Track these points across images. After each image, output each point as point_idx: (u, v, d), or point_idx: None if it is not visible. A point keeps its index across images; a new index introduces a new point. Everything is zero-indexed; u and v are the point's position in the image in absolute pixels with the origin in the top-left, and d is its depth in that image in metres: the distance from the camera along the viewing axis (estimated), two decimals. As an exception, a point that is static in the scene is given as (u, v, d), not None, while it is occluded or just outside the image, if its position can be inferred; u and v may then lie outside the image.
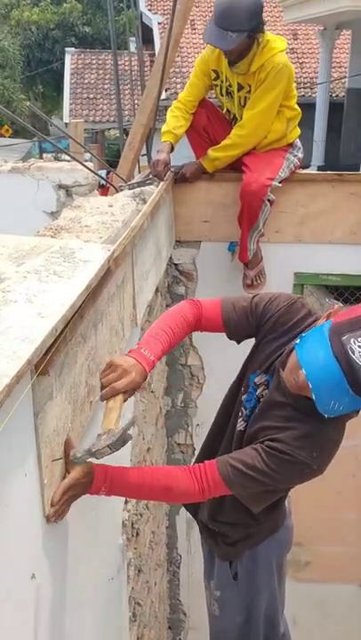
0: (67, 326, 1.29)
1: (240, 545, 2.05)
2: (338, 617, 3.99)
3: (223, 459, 1.69)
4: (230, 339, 1.87)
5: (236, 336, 1.86)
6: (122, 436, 1.42)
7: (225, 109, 3.19)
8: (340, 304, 5.42)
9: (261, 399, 1.80)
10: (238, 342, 1.89)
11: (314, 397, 1.48)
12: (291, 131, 3.14)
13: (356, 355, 1.42)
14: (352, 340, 1.43)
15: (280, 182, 3.07)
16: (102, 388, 1.51)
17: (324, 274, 3.33)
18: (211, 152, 3.12)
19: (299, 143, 3.22)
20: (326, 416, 1.50)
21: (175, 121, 3.13)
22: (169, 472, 1.75)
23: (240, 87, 3.02)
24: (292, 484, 1.81)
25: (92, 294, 1.51)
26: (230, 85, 3.04)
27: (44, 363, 1.18)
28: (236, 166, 3.17)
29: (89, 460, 1.42)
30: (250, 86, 2.99)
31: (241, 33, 2.77)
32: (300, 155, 3.21)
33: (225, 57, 2.93)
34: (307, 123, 3.18)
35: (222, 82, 3.06)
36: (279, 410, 1.70)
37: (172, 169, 3.16)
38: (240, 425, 1.88)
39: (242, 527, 2.01)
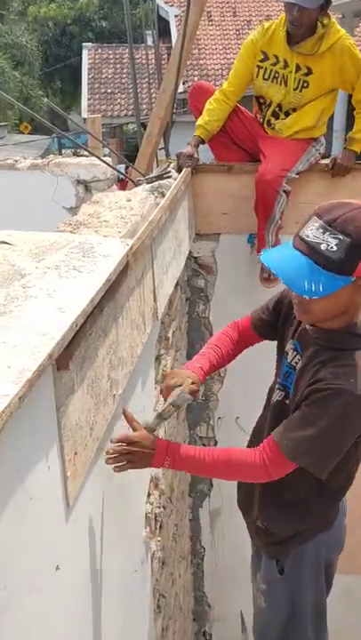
0: (87, 321, 1.30)
1: (287, 544, 2.02)
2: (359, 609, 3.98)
3: (276, 430, 1.70)
4: (263, 337, 2.03)
5: (266, 334, 2.01)
6: (181, 395, 1.71)
7: (256, 100, 3.14)
8: None
9: (296, 365, 1.80)
10: (271, 339, 2.00)
11: (286, 282, 1.57)
12: (320, 125, 3.12)
13: (310, 235, 1.52)
14: (303, 230, 1.55)
15: (297, 174, 3.05)
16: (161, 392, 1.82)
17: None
18: (356, 135, 3.09)
19: (322, 139, 3.20)
20: (308, 297, 1.53)
21: (210, 115, 3.09)
22: (229, 448, 1.79)
23: (298, 68, 2.97)
24: (342, 423, 1.64)
25: (112, 288, 1.52)
26: (285, 66, 2.97)
27: (65, 357, 1.20)
28: (255, 156, 3.16)
29: (158, 423, 1.74)
30: (309, 69, 2.94)
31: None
32: (322, 150, 3.20)
33: (292, 28, 2.85)
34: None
35: (273, 64, 3.00)
36: (315, 359, 1.70)
37: (201, 162, 3.16)
38: (277, 395, 1.90)
39: (290, 524, 1.98)
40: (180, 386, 1.76)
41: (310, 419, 1.64)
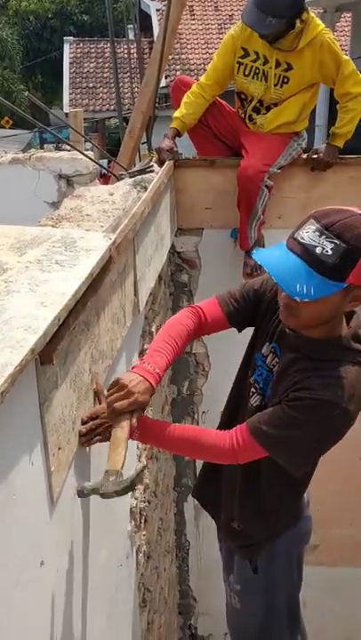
0: (69, 315, 1.30)
1: (260, 544, 2.04)
2: (348, 600, 4.01)
3: (251, 419, 1.69)
4: (235, 326, 1.91)
5: (240, 323, 1.89)
6: (131, 484, 1.46)
7: (237, 96, 3.14)
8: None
9: (274, 368, 1.80)
10: (240, 330, 1.92)
11: (278, 283, 1.54)
12: (302, 120, 3.12)
13: (306, 238, 1.50)
14: (299, 232, 1.52)
15: (279, 169, 3.05)
16: (108, 407, 1.55)
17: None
18: (339, 130, 3.08)
19: (305, 134, 3.21)
20: (299, 299, 1.50)
21: (186, 108, 3.09)
22: (201, 428, 1.80)
23: (278, 64, 2.96)
24: (327, 434, 1.67)
25: (94, 282, 1.52)
26: (265, 63, 2.97)
27: (49, 352, 1.19)
28: (238, 151, 3.16)
29: (89, 494, 1.47)
30: (289, 65, 2.94)
31: (281, 19, 2.76)
32: (304, 144, 3.20)
33: (261, 38, 2.90)
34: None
35: (253, 60, 3.00)
36: (295, 366, 1.69)
37: (180, 156, 3.15)
38: (255, 400, 1.88)
39: (266, 525, 1.99)
40: (124, 446, 1.48)
41: (295, 423, 1.63)
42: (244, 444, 1.67)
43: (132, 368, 1.64)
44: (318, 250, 1.48)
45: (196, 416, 3.74)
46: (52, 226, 1.82)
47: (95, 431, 1.58)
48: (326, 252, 1.47)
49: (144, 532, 2.56)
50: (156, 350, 1.70)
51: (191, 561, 4.01)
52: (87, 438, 1.55)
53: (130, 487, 1.46)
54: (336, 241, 1.47)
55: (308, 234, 1.50)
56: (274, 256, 1.56)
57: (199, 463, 3.73)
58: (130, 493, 2.27)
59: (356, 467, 3.65)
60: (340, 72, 2.92)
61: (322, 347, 1.65)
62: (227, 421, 1.97)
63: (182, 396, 3.68)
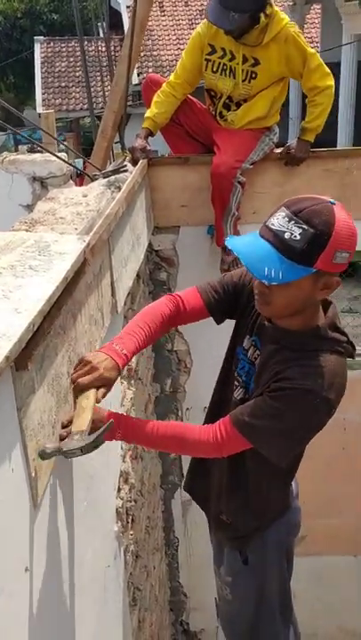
0: (44, 320, 1.30)
1: (249, 535, 2.06)
2: (336, 588, 4.06)
3: (234, 412, 1.71)
4: (214, 316, 1.93)
5: (220, 313, 1.92)
6: (95, 440, 1.42)
7: (207, 93, 3.14)
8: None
9: (256, 361, 1.82)
10: (219, 322, 1.94)
11: (247, 266, 1.57)
12: (273, 114, 3.13)
13: (276, 224, 1.54)
14: (270, 219, 1.57)
15: (251, 164, 3.06)
16: (71, 383, 1.53)
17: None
18: (309, 125, 3.07)
19: (276, 128, 3.22)
20: (267, 283, 1.55)
21: (157, 107, 3.08)
22: (184, 424, 1.81)
23: (245, 60, 2.97)
24: (308, 423, 1.68)
25: (69, 286, 1.51)
26: (232, 59, 2.97)
27: (24, 358, 1.19)
28: (210, 148, 3.17)
29: (51, 454, 1.36)
30: (256, 60, 2.94)
31: (243, 13, 2.76)
32: (275, 139, 3.21)
33: (225, 34, 2.91)
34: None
35: (220, 56, 3.00)
36: (275, 357, 1.71)
37: (154, 154, 3.15)
38: (238, 394, 1.90)
39: (255, 516, 2.01)
40: (89, 413, 1.46)
41: (277, 413, 1.65)
42: (228, 437, 1.68)
43: (100, 348, 1.63)
44: (287, 235, 1.51)
45: (180, 413, 3.75)
46: (26, 230, 1.81)
47: None
48: (295, 237, 1.51)
49: (131, 532, 2.57)
50: (127, 333, 1.71)
51: (181, 557, 4.03)
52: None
53: (95, 443, 1.42)
54: (304, 226, 1.50)
55: (278, 220, 1.54)
56: (245, 242, 1.61)
57: (186, 459, 3.75)
58: (115, 492, 2.28)
59: (339, 456, 3.69)
60: (307, 66, 2.93)
61: (300, 337, 1.68)
62: (212, 416, 1.99)
63: (165, 394, 3.69)
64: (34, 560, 1.30)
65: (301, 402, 1.63)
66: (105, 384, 1.55)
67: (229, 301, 1.89)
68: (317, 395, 1.61)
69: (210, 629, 4.04)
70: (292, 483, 2.09)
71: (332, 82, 2.99)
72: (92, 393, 1.50)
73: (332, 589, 4.04)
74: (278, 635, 2.19)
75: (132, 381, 2.73)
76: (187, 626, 4.22)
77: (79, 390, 1.52)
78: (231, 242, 1.62)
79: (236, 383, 1.92)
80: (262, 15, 2.81)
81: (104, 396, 1.55)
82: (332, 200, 1.56)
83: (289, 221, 1.52)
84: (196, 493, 2.24)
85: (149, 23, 16.53)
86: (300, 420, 1.66)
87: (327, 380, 1.63)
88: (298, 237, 1.50)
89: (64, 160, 3.02)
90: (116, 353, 1.60)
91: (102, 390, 1.54)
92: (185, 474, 3.82)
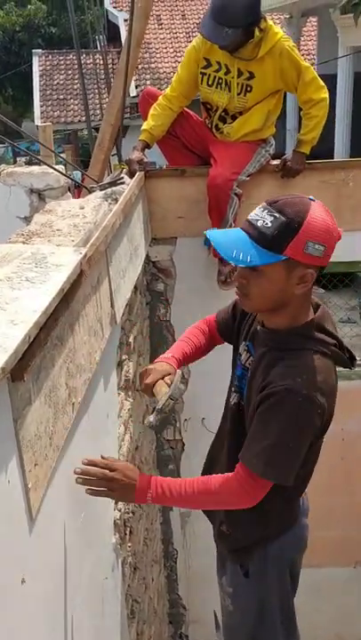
0: (41, 331, 1.30)
1: (251, 548, 2.04)
2: (336, 599, 4.04)
3: (241, 454, 1.74)
4: (224, 339, 2.09)
5: (227, 336, 2.05)
6: (175, 386, 1.78)
7: (203, 106, 3.16)
8: (322, 290, 5.48)
9: (250, 366, 1.84)
10: (230, 342, 2.04)
11: (217, 250, 1.65)
12: (268, 126, 3.15)
13: (252, 215, 1.63)
14: (250, 214, 1.66)
15: (248, 176, 3.08)
16: (142, 390, 1.90)
17: (300, 262, 3.34)
18: (304, 137, 3.10)
19: (272, 140, 3.24)
20: (234, 264, 1.66)
21: (154, 120, 3.11)
22: (206, 479, 1.82)
23: (240, 73, 2.99)
24: (296, 425, 1.67)
25: (67, 297, 1.52)
26: (227, 72, 2.99)
27: (20, 369, 1.19)
28: (207, 160, 3.19)
29: (159, 417, 1.77)
30: (251, 73, 2.96)
31: (237, 29, 2.78)
32: (272, 151, 3.23)
33: (221, 49, 2.93)
34: (279, 115, 3.20)
35: (216, 70, 3.02)
36: (265, 360, 1.74)
37: (151, 166, 3.17)
38: (233, 399, 1.93)
39: (255, 529, 1.99)
40: (163, 380, 1.83)
41: (264, 428, 1.67)
42: (250, 480, 1.71)
43: (156, 361, 1.94)
44: (260, 223, 1.59)
45: (178, 424, 3.75)
46: (23, 242, 1.82)
47: (88, 479, 1.66)
48: (266, 224, 1.58)
49: (129, 544, 2.56)
50: (172, 347, 2.03)
51: (179, 569, 4.01)
52: (88, 482, 1.67)
53: (176, 387, 1.80)
54: (276, 214, 1.58)
55: (255, 211, 1.63)
56: (222, 232, 1.75)
57: (183, 473, 3.75)
58: (113, 504, 2.27)
59: (338, 467, 3.68)
60: (302, 79, 2.96)
61: (286, 337, 1.72)
62: (222, 419, 2.09)
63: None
64: (30, 572, 1.30)
65: (284, 404, 1.64)
66: (166, 374, 1.84)
67: (231, 322, 2.00)
68: (298, 394, 1.62)
69: (209, 642, 4.01)
70: (302, 499, 2.07)
71: (326, 94, 3.02)
72: (160, 382, 1.83)
73: (331, 601, 4.02)
74: None
75: (130, 392, 2.73)
76: (186, 638, 4.20)
77: (150, 391, 1.82)
78: (210, 232, 1.70)
79: (232, 388, 1.96)
80: (256, 30, 2.84)
81: (171, 380, 1.82)
82: (311, 197, 1.63)
83: (263, 210, 1.61)
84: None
85: (147, 36, 16.66)
86: (286, 423, 1.65)
87: (308, 378, 1.64)
88: (269, 224, 1.57)
89: (61, 172, 3.03)
90: (164, 357, 1.93)
91: (167, 378, 1.82)
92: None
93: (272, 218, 1.57)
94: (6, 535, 1.18)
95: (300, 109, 3.14)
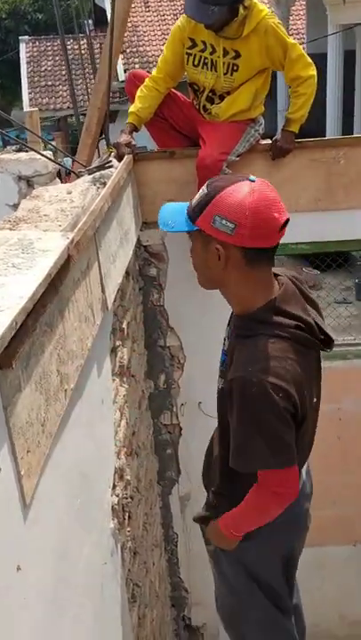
0: (29, 317, 1.29)
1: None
2: (336, 578, 4.06)
3: (231, 461, 1.79)
4: None
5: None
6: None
7: (190, 87, 3.13)
8: (316, 271, 5.46)
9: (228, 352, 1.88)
10: None
11: (159, 215, 1.83)
12: (257, 106, 3.11)
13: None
14: None
15: (237, 157, 3.05)
16: None
17: (292, 243, 3.33)
18: (292, 116, 3.06)
19: (261, 119, 3.20)
20: (161, 228, 1.82)
21: (141, 102, 3.06)
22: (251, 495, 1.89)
23: (225, 53, 2.94)
24: (256, 413, 1.69)
25: (55, 282, 1.50)
26: (213, 52, 2.95)
27: (8, 356, 1.18)
28: (196, 141, 3.16)
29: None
30: (237, 52, 2.92)
31: (222, 6, 2.74)
32: (261, 130, 3.19)
33: (206, 28, 2.89)
34: (269, 94, 3.15)
35: (201, 50, 2.98)
36: (232, 347, 1.80)
37: (140, 149, 3.13)
38: (219, 383, 1.95)
39: (230, 503, 2.01)
40: None
41: (232, 426, 1.73)
42: (262, 480, 1.82)
43: None
44: (196, 196, 1.75)
45: (174, 409, 3.74)
46: (10, 229, 1.80)
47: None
48: (196, 199, 1.73)
49: (129, 529, 2.56)
50: None
51: (180, 553, 4.02)
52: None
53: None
54: (205, 189, 1.72)
55: None
56: (175, 204, 1.87)
57: (182, 457, 3.76)
58: (110, 490, 2.27)
59: (335, 445, 3.69)
60: (288, 56, 2.92)
61: (244, 322, 1.77)
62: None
63: (159, 390, 3.68)
64: (26, 559, 1.29)
65: (240, 392, 1.68)
66: None
67: None
68: (250, 381, 1.65)
69: (211, 623, 4.04)
70: (303, 482, 2.06)
71: (314, 72, 2.98)
72: None
73: (332, 579, 4.05)
74: (274, 624, 2.18)
75: (125, 379, 2.72)
76: (189, 621, 4.22)
77: None
78: (166, 205, 1.86)
79: (219, 374, 1.97)
80: (241, 7, 2.80)
81: None
82: (252, 177, 1.68)
83: (202, 190, 1.73)
84: (205, 484, 2.24)
85: (134, 19, 16.49)
86: (248, 412, 1.69)
87: (260, 364, 1.65)
88: (196, 199, 1.72)
89: (48, 158, 3.00)
90: None
91: None
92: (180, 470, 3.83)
93: (201, 193, 1.71)
94: (0, 523, 1.17)
95: (289, 87, 3.10)
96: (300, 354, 1.73)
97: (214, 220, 1.65)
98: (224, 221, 1.64)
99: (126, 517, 2.52)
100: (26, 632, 1.29)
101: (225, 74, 2.96)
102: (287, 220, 1.69)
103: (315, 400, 1.87)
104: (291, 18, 13.25)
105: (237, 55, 2.92)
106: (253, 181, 1.66)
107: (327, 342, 1.84)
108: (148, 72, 3.25)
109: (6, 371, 1.20)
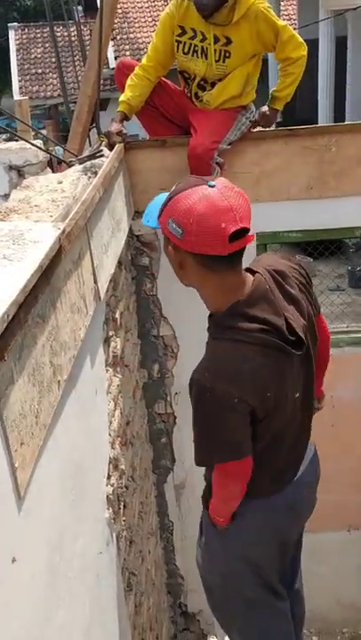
0: (20, 309, 1.28)
1: None
2: (331, 563, 4.10)
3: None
4: None
5: None
6: None
7: (181, 75, 3.11)
8: (310, 259, 5.46)
9: None
10: None
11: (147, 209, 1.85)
12: (248, 92, 3.10)
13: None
14: None
15: (229, 145, 3.04)
16: None
17: (284, 231, 3.32)
18: (279, 94, 3.08)
19: (252, 107, 3.18)
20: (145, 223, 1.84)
21: (131, 90, 3.04)
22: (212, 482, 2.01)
23: (216, 40, 2.93)
24: (208, 415, 1.74)
25: (46, 273, 1.50)
26: (203, 39, 2.93)
27: (0, 348, 1.17)
28: (187, 130, 3.14)
29: None
30: (228, 39, 2.90)
31: None
32: (253, 117, 3.18)
33: (199, 13, 2.86)
34: (261, 78, 3.14)
35: (191, 37, 2.96)
36: (207, 344, 1.83)
37: (133, 138, 3.12)
38: None
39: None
40: None
41: (194, 424, 1.80)
42: (215, 473, 1.96)
43: None
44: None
45: (168, 398, 3.75)
46: (0, 220, 1.78)
47: None
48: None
49: (124, 518, 2.57)
50: None
51: (176, 541, 4.04)
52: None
53: None
54: (172, 189, 1.71)
55: None
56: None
57: (176, 446, 3.77)
58: (105, 480, 2.28)
59: (328, 432, 3.70)
60: (280, 38, 2.91)
61: (210, 324, 1.81)
62: None
63: (153, 380, 3.69)
64: (22, 550, 1.29)
65: (195, 396, 1.72)
66: None
67: None
68: (203, 386, 1.69)
69: (208, 610, 4.07)
70: (287, 490, 2.07)
71: (305, 52, 2.97)
72: None
73: (328, 565, 4.08)
74: (264, 605, 2.19)
75: (119, 369, 2.72)
76: (185, 607, 4.26)
77: None
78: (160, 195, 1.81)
79: None
80: None
81: None
82: (211, 182, 1.64)
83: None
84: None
85: (125, 5, 16.33)
86: (200, 413, 1.75)
87: (211, 368, 1.69)
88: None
89: (38, 147, 2.98)
90: None
91: None
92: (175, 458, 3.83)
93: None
94: (-6, 515, 1.17)
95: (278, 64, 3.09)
96: (269, 357, 1.71)
97: (168, 222, 1.65)
98: (174, 225, 1.63)
99: (121, 507, 2.53)
100: (22, 623, 1.29)
101: (217, 61, 2.94)
102: (243, 230, 1.60)
103: (297, 395, 1.87)
104: (282, 3, 13.17)
105: (229, 42, 2.90)
106: (212, 187, 1.61)
107: (298, 344, 1.77)
108: (137, 60, 3.22)
109: (-2, 363, 1.19)
